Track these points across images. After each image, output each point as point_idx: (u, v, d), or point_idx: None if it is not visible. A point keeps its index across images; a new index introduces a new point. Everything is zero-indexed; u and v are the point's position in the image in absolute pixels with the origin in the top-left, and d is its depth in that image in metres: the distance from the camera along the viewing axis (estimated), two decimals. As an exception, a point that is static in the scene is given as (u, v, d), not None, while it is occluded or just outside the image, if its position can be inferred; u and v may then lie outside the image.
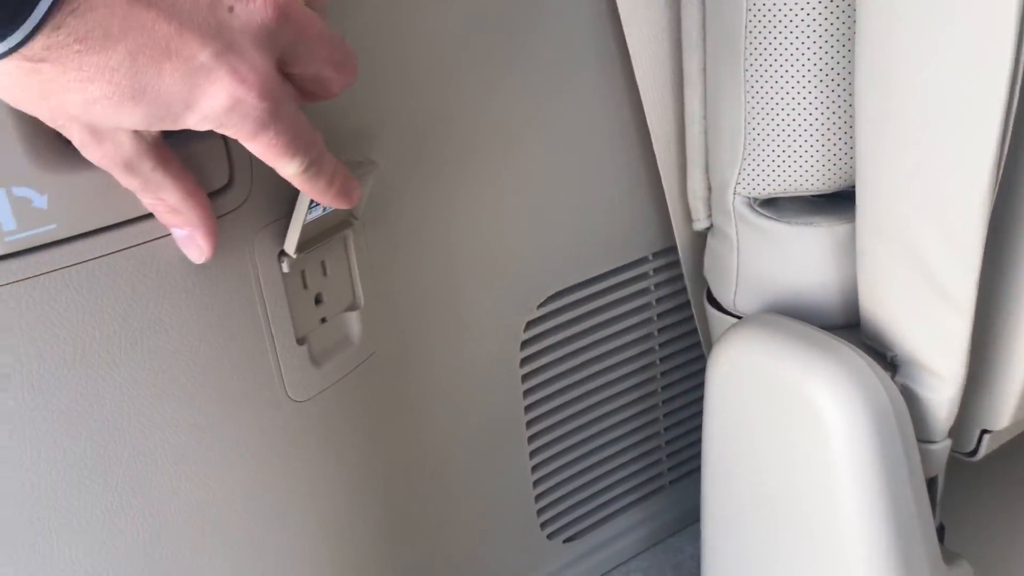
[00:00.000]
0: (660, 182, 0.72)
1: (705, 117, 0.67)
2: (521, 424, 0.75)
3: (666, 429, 0.87)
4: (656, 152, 0.71)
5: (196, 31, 0.34)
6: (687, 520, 0.92)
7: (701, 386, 0.87)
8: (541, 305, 0.72)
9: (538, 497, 0.80)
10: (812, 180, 0.63)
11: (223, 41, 0.35)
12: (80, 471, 0.46)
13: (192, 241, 0.43)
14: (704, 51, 0.65)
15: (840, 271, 0.65)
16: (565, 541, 0.84)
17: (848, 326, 0.66)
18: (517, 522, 0.80)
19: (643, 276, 0.78)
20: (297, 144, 0.39)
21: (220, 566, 0.52)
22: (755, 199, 0.66)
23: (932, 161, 0.54)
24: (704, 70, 0.66)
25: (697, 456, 0.91)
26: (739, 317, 0.71)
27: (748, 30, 0.60)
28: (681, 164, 0.72)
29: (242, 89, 0.35)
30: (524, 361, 0.73)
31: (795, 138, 0.62)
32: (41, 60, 0.32)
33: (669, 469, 0.90)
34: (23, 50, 0.32)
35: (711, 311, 0.74)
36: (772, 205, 0.66)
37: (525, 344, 0.73)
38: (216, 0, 0.35)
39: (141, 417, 0.47)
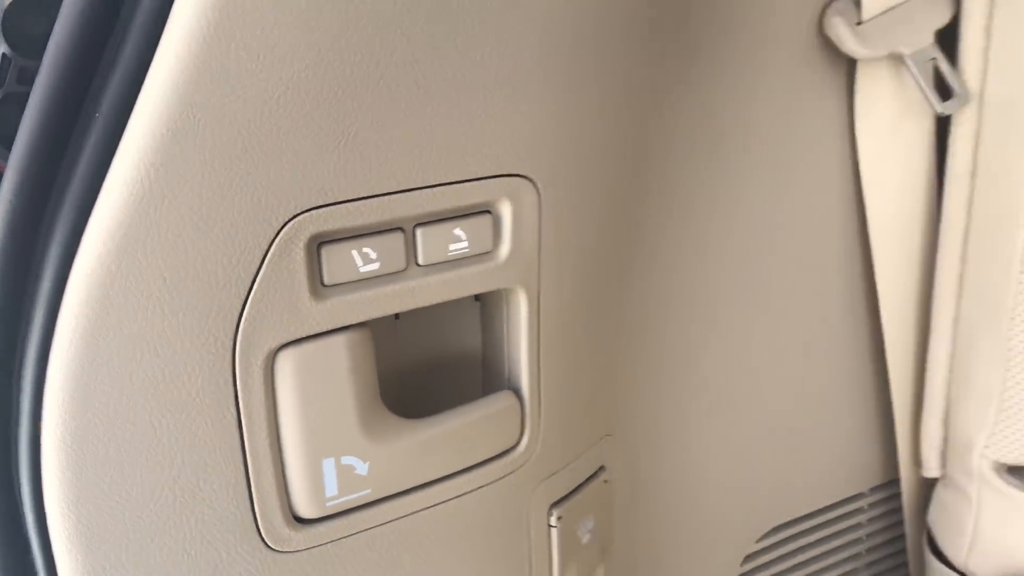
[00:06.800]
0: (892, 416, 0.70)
1: (951, 370, 0.66)
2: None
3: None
4: (893, 394, 0.69)
5: None
6: None
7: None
8: (762, 538, 0.71)
9: None
10: (1071, 455, 0.60)
11: None
12: None
13: None
14: (959, 304, 0.64)
15: (1099, 556, 0.61)
16: None
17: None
18: None
19: (857, 511, 0.76)
20: None
21: None
22: (1004, 465, 0.64)
23: None
24: (956, 322, 0.65)
25: None
26: (968, 576, 0.68)
27: (1019, 290, 0.59)
28: (917, 409, 0.70)
29: None
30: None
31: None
32: None
33: None
34: None
35: (933, 562, 0.71)
36: (1021, 473, 0.64)
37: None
38: None
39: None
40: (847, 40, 0.57)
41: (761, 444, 0.68)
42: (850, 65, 0.61)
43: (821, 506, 0.73)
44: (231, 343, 0.39)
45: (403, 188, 0.41)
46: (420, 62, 0.38)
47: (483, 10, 0.39)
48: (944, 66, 0.60)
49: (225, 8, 0.33)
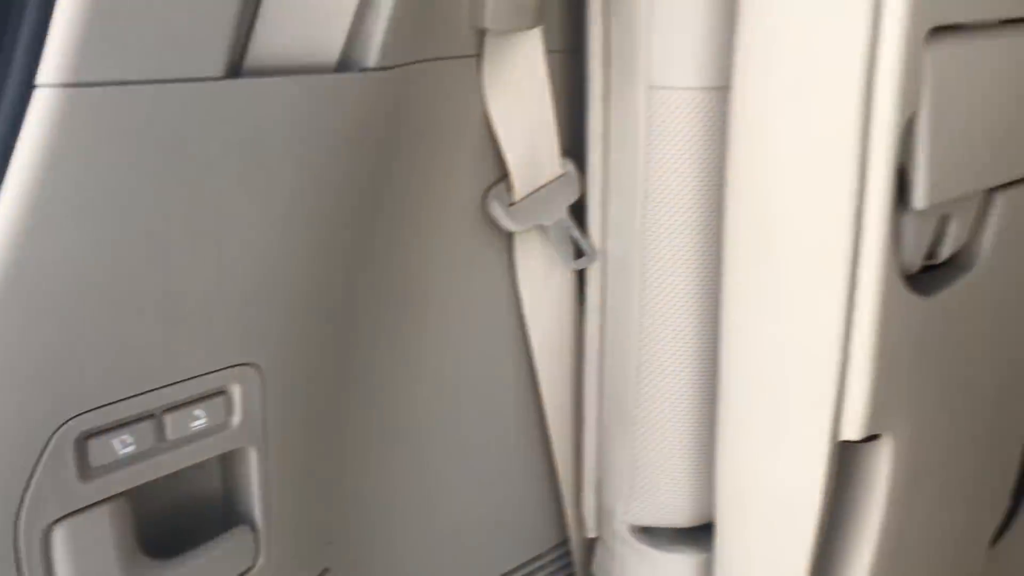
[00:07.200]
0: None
1: (598, 456, 0.86)
2: None
3: None
4: (559, 474, 0.88)
5: None
6: None
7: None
8: (464, 602, 0.87)
9: None
10: (682, 515, 0.82)
11: None
12: None
13: None
14: (600, 407, 0.84)
15: (702, 592, 0.83)
16: None
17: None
18: None
19: (541, 568, 0.94)
20: None
21: None
22: (637, 527, 0.84)
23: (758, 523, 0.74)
24: (599, 420, 0.85)
25: None
26: (621, 614, 0.88)
27: (637, 399, 0.80)
28: (579, 484, 0.89)
29: None
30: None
31: (670, 479, 0.81)
32: None
33: None
34: None
35: (595, 604, 0.91)
36: (648, 532, 0.84)
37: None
38: None
39: None
40: (502, 218, 0.76)
41: (458, 526, 0.84)
42: (510, 234, 0.79)
43: (513, 566, 0.90)
44: (13, 520, 0.49)
45: (154, 388, 0.53)
46: (164, 295, 0.51)
47: (220, 258, 0.53)
48: (575, 232, 0.80)
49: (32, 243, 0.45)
